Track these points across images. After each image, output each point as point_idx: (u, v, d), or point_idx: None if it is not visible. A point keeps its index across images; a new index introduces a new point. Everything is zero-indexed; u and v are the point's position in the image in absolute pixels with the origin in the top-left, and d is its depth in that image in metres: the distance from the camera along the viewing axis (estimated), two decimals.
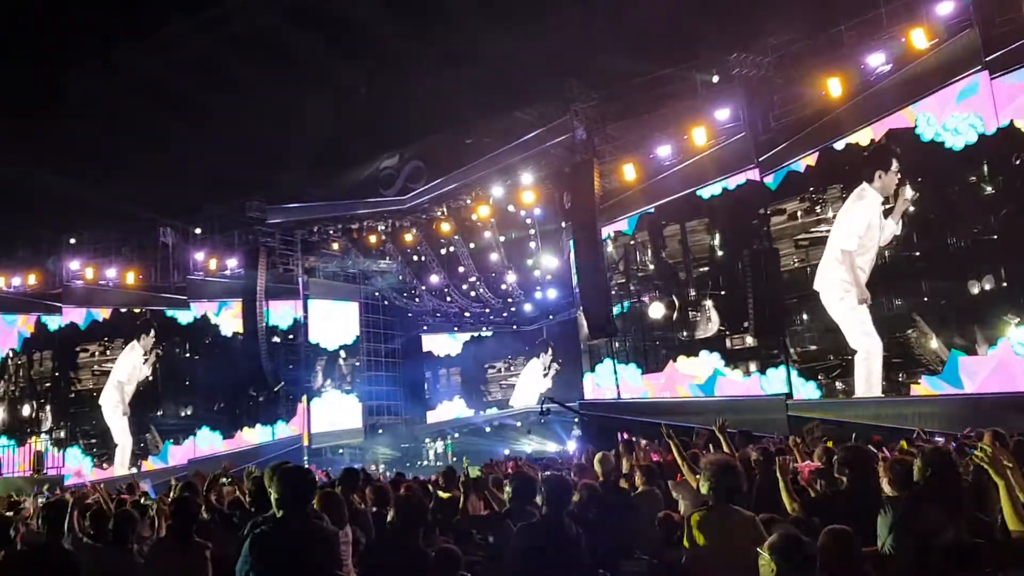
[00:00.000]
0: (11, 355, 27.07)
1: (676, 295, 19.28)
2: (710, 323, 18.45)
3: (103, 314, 26.03)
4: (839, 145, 15.78)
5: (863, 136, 15.42)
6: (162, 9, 24.00)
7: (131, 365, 25.45)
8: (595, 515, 6.06)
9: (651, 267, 20.01)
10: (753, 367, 17.64)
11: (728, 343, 18.12)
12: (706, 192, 18.38)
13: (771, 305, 16.73)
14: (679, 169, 18.66)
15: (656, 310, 19.63)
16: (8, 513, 8.42)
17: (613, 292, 19.78)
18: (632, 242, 20.35)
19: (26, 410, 26.37)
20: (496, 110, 21.24)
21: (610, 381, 20.53)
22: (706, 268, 18.74)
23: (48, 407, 26.21)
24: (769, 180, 17.07)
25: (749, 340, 17.64)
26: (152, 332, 25.59)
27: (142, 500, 9.36)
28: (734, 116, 17.39)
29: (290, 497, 4.41)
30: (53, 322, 26.26)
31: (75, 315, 25.95)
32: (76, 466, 24.42)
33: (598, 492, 6.56)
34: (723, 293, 18.30)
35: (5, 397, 26.93)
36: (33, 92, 25.98)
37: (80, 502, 7.11)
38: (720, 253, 18.44)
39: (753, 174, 17.37)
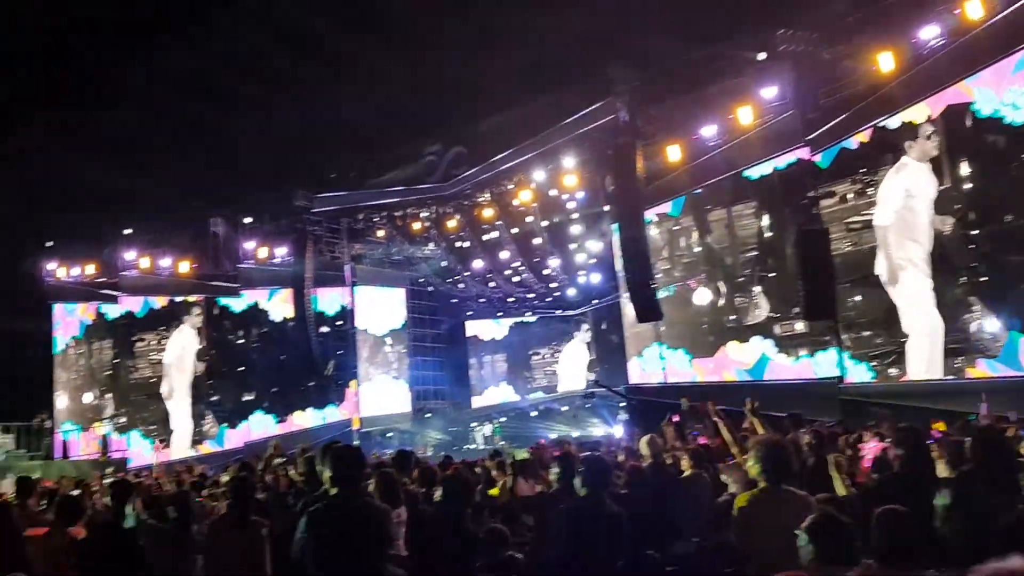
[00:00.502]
0: (72, 343, 27.84)
1: (723, 279, 19.08)
2: (758, 309, 18.21)
3: (159, 302, 26.67)
4: (893, 123, 15.33)
5: (919, 112, 14.91)
6: (208, 3, 24.36)
7: (179, 347, 26.04)
8: (643, 497, 6.06)
9: (697, 250, 19.82)
10: (803, 351, 17.38)
11: (778, 328, 17.87)
12: (754, 172, 18.10)
13: (822, 289, 16.42)
14: (725, 149, 18.40)
15: (702, 295, 19.46)
16: (75, 492, 8.69)
17: (658, 276, 19.64)
18: (677, 225, 20.17)
19: (88, 397, 27.11)
20: (537, 93, 21.16)
21: (657, 366, 20.45)
22: (754, 251, 18.44)
23: (109, 394, 26.93)
24: (819, 159, 16.71)
25: (799, 326, 17.30)
26: (197, 311, 26.15)
27: (202, 482, 9.57)
28: (781, 94, 17.00)
29: (342, 475, 4.59)
30: (112, 311, 26.95)
31: (132, 303, 26.61)
32: (137, 449, 25.07)
33: (645, 474, 6.55)
34: (772, 276, 18.03)
35: (69, 384, 27.71)
36: (86, 86, 26.56)
37: (142, 484, 7.33)
38: (768, 235, 18.13)
39: (803, 153, 17.01)
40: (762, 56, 17.24)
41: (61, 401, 27.08)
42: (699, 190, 19.44)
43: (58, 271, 27.20)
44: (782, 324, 17.78)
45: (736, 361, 18.65)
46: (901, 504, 3.94)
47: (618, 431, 21.81)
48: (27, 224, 26.84)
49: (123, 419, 26.23)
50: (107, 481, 9.48)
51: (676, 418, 10.55)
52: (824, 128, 16.45)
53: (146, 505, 6.76)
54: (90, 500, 8.67)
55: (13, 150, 25.49)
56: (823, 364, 16.85)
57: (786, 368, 17.57)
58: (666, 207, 20.20)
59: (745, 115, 17.22)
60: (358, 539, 4.44)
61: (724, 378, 18.79)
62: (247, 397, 26.07)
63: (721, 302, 19.17)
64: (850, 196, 16.19)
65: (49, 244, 27.28)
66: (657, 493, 6.41)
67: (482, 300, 29.98)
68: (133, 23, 24.86)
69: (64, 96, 25.95)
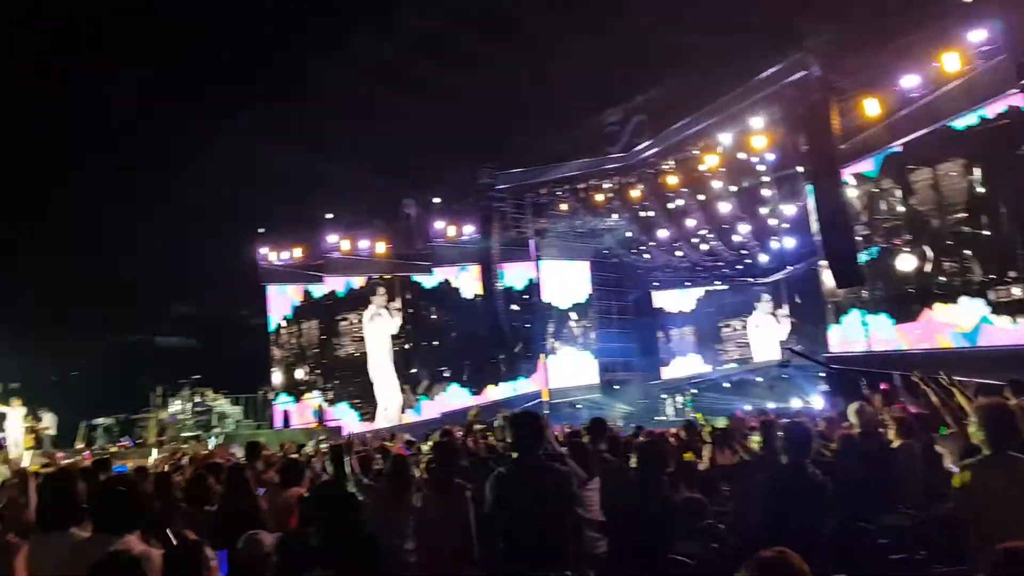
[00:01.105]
0: (284, 323, 30.19)
1: (929, 241, 17.74)
2: (969, 272, 16.80)
3: (359, 282, 28.35)
4: None
5: None
6: None
7: (379, 324, 27.56)
8: (852, 466, 5.79)
9: (900, 210, 18.54)
10: (1021, 314, 15.86)
11: (992, 293, 16.40)
12: (960, 123, 16.64)
13: None
14: (928, 101, 17.02)
15: (906, 260, 18.20)
16: (294, 456, 9.43)
17: (858, 238, 18.55)
18: (876, 184, 18.94)
19: (299, 373, 29.32)
20: (722, 53, 20.43)
21: (859, 333, 19.38)
22: (963, 211, 16.97)
23: (318, 369, 29.03)
24: None
25: (1016, 290, 15.80)
26: (382, 291, 27.49)
27: (407, 449, 10.10)
28: (991, 37, 15.52)
29: (522, 440, 4.80)
30: (317, 291, 28.96)
31: (336, 284, 28.46)
32: (345, 420, 26.88)
33: (855, 442, 6.25)
34: (985, 235, 16.54)
35: (282, 361, 30.09)
36: (288, 79, 28.49)
37: (355, 449, 7.87)
38: (980, 191, 16.63)
39: (1017, 99, 15.44)
40: None
41: (276, 376, 29.43)
42: (900, 146, 18.13)
43: (270, 255, 29.52)
44: (996, 288, 16.30)
45: (947, 324, 17.32)
46: None
47: (817, 401, 20.91)
48: (243, 212, 29.27)
49: (331, 392, 28.18)
50: (324, 447, 10.24)
51: (885, 387, 9.94)
52: None
53: (361, 467, 7.23)
54: (309, 464, 9.37)
55: (227, 143, 27.82)
56: None
57: (1005, 332, 16.11)
58: (865, 165, 19.00)
59: (951, 62, 15.82)
60: (537, 499, 4.61)
61: (936, 343, 17.50)
62: (442, 370, 27.24)
63: (928, 266, 17.85)
64: None
65: (261, 230, 29.64)
66: (867, 463, 6.10)
67: (668, 270, 29.53)
68: (326, 14, 26.34)
69: (263, 87, 27.97)
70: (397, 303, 27.58)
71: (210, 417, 21.91)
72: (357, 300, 28.34)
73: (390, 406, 27.08)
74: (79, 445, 20.29)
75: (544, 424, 5.10)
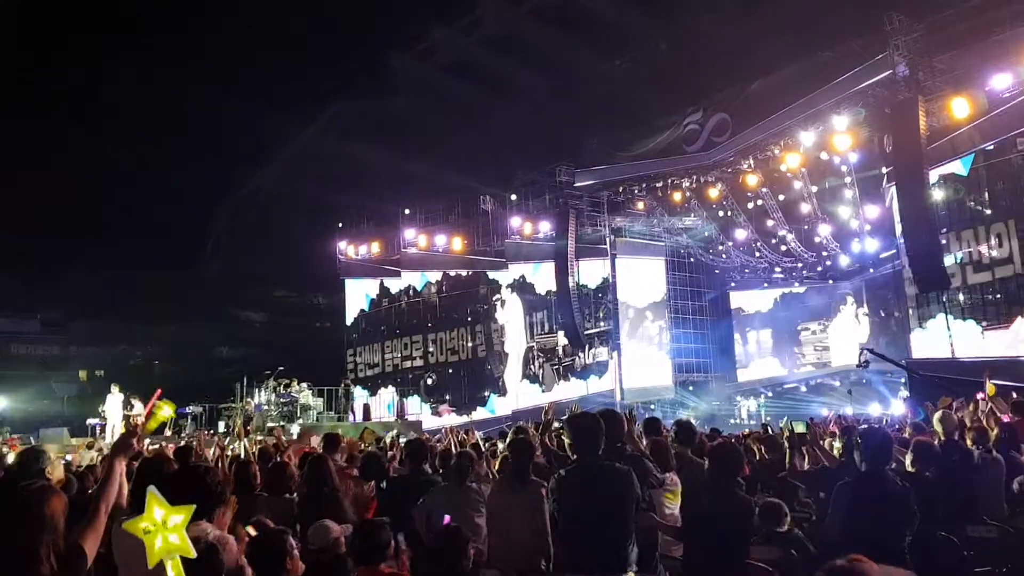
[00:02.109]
0: (361, 316, 30.90)
1: (1019, 243, 17.15)
2: None
3: (434, 277, 28.81)
4: None
5: None
6: None
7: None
8: (934, 475, 5.73)
9: (988, 212, 17.96)
10: None
11: None
12: None
13: None
14: (1021, 101, 16.45)
15: (995, 264, 17.62)
16: (370, 448, 9.67)
17: (943, 241, 18.03)
18: (965, 185, 18.38)
19: (374, 368, 30.06)
20: (806, 51, 20.08)
21: (943, 338, 18.84)
22: None
23: (390, 364, 29.68)
24: None
25: None
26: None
27: (483, 444, 10.26)
28: None
29: (580, 442, 4.92)
30: (394, 285, 29.48)
31: (412, 278, 28.95)
32: (421, 413, 27.37)
33: (935, 450, 6.16)
34: None
35: (358, 354, 30.82)
36: (365, 76, 29.04)
37: (432, 444, 8.06)
38: None
39: None
40: None
41: (355, 369, 30.18)
42: (991, 146, 17.55)
43: (348, 249, 30.15)
44: None
45: None
46: None
47: (898, 408, 20.39)
48: (323, 206, 30.00)
49: (405, 386, 28.73)
50: (402, 440, 10.48)
51: (980, 395, 9.67)
52: None
53: (441, 462, 7.41)
54: (388, 457, 9.61)
55: (309, 138, 28.54)
56: None
57: None
58: (953, 167, 18.45)
59: None
60: (594, 501, 4.70)
61: (1022, 352, 16.93)
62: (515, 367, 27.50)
63: (1019, 268, 17.26)
64: None
65: (340, 225, 30.34)
66: (951, 473, 6.02)
67: (746, 270, 29.10)
68: (408, 12, 26.75)
69: (346, 87, 28.56)
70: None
71: (294, 408, 22.48)
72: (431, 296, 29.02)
73: (461, 401, 27.61)
74: (168, 432, 21.09)
75: (613, 423, 5.15)
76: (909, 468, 5.79)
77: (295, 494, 6.45)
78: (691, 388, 28.78)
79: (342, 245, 30.41)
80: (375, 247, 29.50)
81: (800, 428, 8.41)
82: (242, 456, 8.73)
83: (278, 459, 7.73)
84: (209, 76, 28.06)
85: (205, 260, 32.85)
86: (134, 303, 32.03)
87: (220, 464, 7.48)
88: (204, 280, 32.80)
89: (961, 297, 18.62)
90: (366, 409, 26.21)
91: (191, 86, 26.39)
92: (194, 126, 30.00)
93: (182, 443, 13.33)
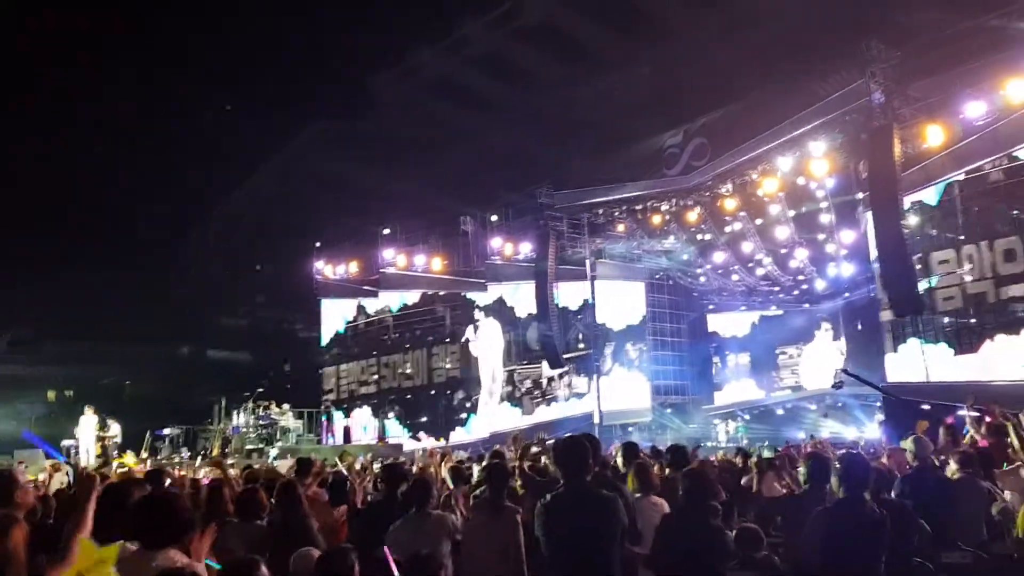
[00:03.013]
0: (337, 337, 30.69)
1: (991, 269, 17.37)
2: None
3: (412, 299, 28.69)
4: None
5: None
6: (452, 11, 25.82)
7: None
8: (910, 501, 5.72)
9: (961, 238, 18.18)
10: None
11: None
12: None
13: None
14: (993, 130, 16.72)
15: (967, 289, 17.83)
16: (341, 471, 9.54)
17: (917, 266, 18.22)
18: (938, 212, 18.62)
19: (350, 387, 29.80)
20: (783, 79, 20.34)
21: (917, 362, 18.98)
22: None
23: (366, 385, 29.46)
24: None
25: None
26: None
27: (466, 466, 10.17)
28: None
29: (565, 467, 4.89)
30: (371, 305, 29.32)
31: (390, 299, 28.81)
32: (394, 435, 27.14)
33: (911, 477, 6.17)
34: None
35: (334, 375, 30.56)
36: (344, 96, 29.07)
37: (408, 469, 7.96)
38: None
39: None
40: None
41: (330, 392, 29.95)
42: (962, 175, 17.80)
43: (325, 269, 29.99)
44: None
45: (1008, 357, 16.90)
46: None
47: (874, 432, 20.50)
48: (300, 226, 29.88)
49: (382, 408, 28.53)
50: (376, 464, 10.36)
51: (950, 420, 9.75)
52: None
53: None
54: (360, 481, 9.48)
55: (287, 157, 28.47)
56: None
57: None
58: (926, 193, 18.67)
59: (1017, 89, 15.55)
60: (579, 528, 4.64)
61: (997, 375, 17.07)
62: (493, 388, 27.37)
63: (990, 296, 17.47)
64: None
65: (317, 245, 30.22)
66: (925, 498, 6.02)
67: (724, 294, 29.25)
68: (387, 32, 26.85)
69: (325, 106, 28.58)
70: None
71: (274, 430, 22.27)
72: (409, 317, 28.86)
73: (437, 423, 27.48)
74: (143, 455, 20.87)
75: (585, 451, 5.09)
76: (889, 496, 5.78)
77: (265, 520, 6.36)
78: (669, 410, 28.77)
79: (320, 265, 30.26)
80: (353, 267, 29.37)
81: (768, 453, 8.41)
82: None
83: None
84: (188, 93, 28.00)
85: (179, 279, 32.57)
86: (105, 322, 31.59)
87: (196, 489, 7.37)
88: (178, 299, 32.48)
89: (935, 322, 18.77)
90: (346, 431, 26.00)
91: (167, 103, 26.31)
92: (169, 144, 29.87)
93: (152, 467, 13.16)
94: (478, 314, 27.71)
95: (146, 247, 31.83)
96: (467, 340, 27.83)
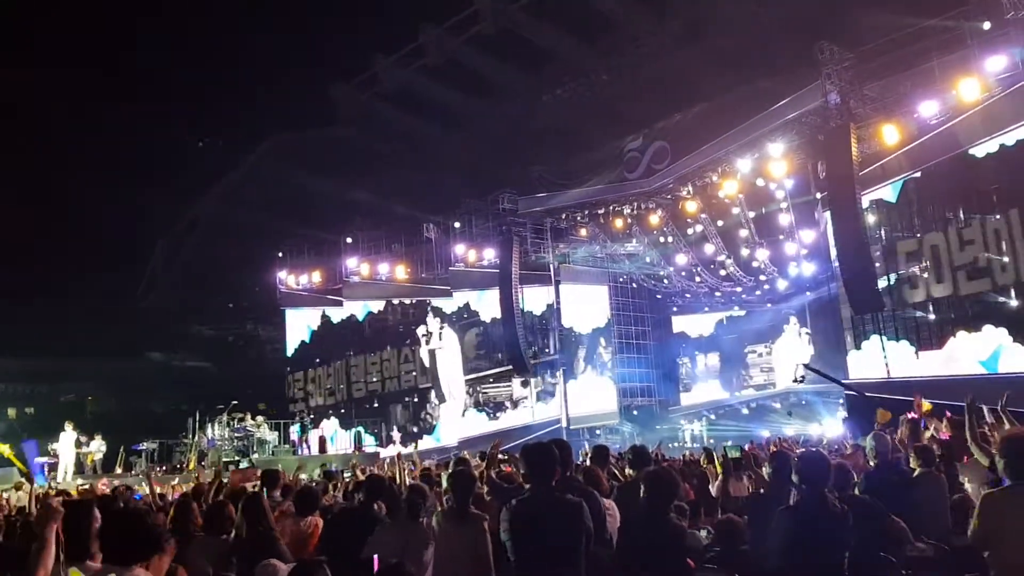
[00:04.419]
0: (301, 347, 30.42)
1: (950, 266, 17.69)
2: (993, 297, 16.73)
3: (377, 307, 28.54)
4: None
5: None
6: (412, 21, 25.76)
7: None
8: (873, 495, 5.79)
9: (919, 235, 18.49)
10: None
11: (1018, 317, 16.32)
12: (980, 151, 16.64)
13: None
14: (947, 128, 17.05)
15: (927, 286, 18.14)
16: (313, 483, 9.46)
17: (877, 264, 18.50)
18: (896, 210, 18.93)
19: (317, 398, 29.55)
20: (742, 81, 20.58)
21: (878, 359, 19.27)
22: (984, 235, 16.94)
23: (334, 395, 29.22)
24: None
25: None
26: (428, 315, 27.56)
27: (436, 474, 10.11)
28: (1011, 64, 15.56)
29: (532, 473, 4.86)
30: (336, 315, 29.11)
31: (355, 307, 28.63)
32: (368, 445, 26.96)
33: (873, 472, 6.25)
34: (1006, 260, 16.49)
35: (299, 385, 30.28)
36: (306, 106, 28.87)
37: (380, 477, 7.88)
38: (999, 217, 16.59)
39: None
40: (987, 26, 15.85)
41: (296, 403, 29.65)
42: (918, 172, 18.13)
43: (288, 279, 29.73)
44: (1020, 313, 16.24)
45: (969, 351, 17.21)
46: None
47: (837, 429, 20.75)
48: (264, 237, 29.58)
49: (350, 416, 28.32)
50: (347, 474, 10.27)
51: (911, 415, 9.90)
52: None
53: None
54: (333, 491, 9.42)
55: (249, 169, 28.19)
56: None
57: None
58: (883, 192, 18.98)
59: (969, 89, 15.87)
60: (544, 530, 4.62)
61: (957, 371, 17.36)
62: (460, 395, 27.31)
63: (948, 290, 17.79)
64: None
65: (280, 255, 29.94)
66: (887, 492, 6.09)
67: (688, 296, 29.49)
68: (349, 42, 26.72)
69: (287, 118, 28.35)
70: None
71: (250, 442, 22.01)
72: (375, 325, 28.65)
73: (402, 432, 27.33)
74: (118, 470, 20.60)
75: (564, 453, 5.09)
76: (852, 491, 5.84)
77: (232, 534, 6.27)
78: (635, 413, 28.89)
79: (282, 275, 30.00)
80: (316, 276, 29.17)
81: (734, 453, 8.47)
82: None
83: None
84: (147, 106, 27.63)
85: (141, 292, 32.08)
86: (66, 337, 30.99)
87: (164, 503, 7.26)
88: (140, 313, 31.98)
89: (896, 319, 19.07)
90: (321, 442, 25.76)
91: (126, 116, 25.92)
92: (130, 156, 29.45)
93: (116, 484, 12.92)
94: (432, 322, 27.65)
95: (107, 262, 31.29)
96: (431, 349, 27.72)
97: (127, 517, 4.14)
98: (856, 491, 5.89)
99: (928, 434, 9.34)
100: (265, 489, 8.44)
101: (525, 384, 26.31)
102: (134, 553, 3.72)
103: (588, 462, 7.42)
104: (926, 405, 9.99)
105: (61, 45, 27.15)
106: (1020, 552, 4.12)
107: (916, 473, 7.01)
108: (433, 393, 27.56)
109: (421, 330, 27.88)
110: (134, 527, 3.83)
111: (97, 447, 19.94)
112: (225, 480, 10.17)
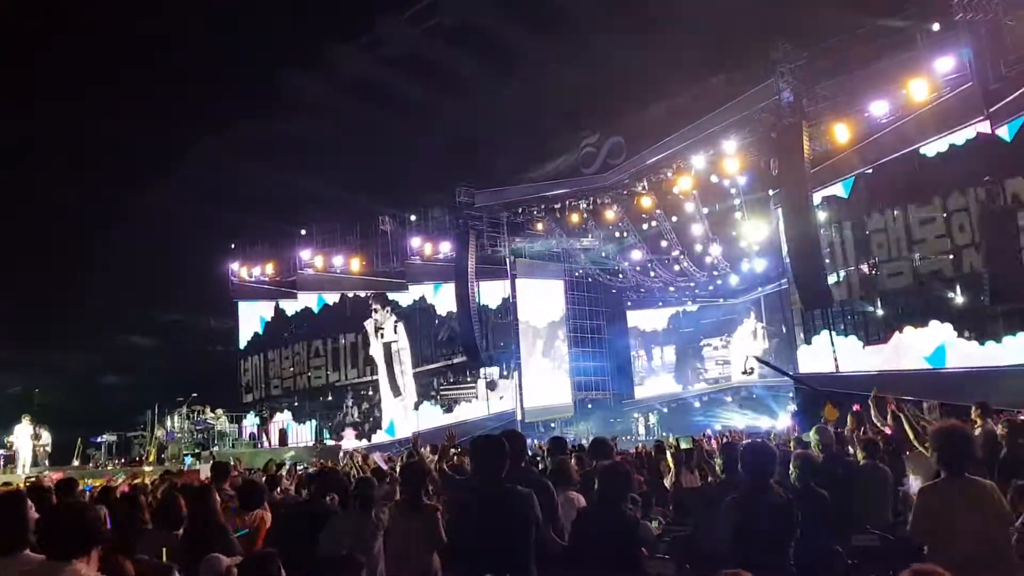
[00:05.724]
0: (254, 339, 30.08)
1: (899, 263, 18.09)
2: (939, 293, 17.16)
3: (332, 299, 28.30)
4: None
5: None
6: (369, 9, 25.54)
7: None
8: (816, 487, 5.91)
9: (868, 233, 18.86)
10: (990, 337, 16.20)
11: (961, 313, 16.77)
12: (930, 150, 17.03)
13: (1011, 270, 15.28)
14: (897, 127, 17.41)
15: (877, 282, 18.53)
16: (259, 477, 9.38)
17: (827, 260, 18.84)
18: (847, 207, 19.29)
19: (272, 390, 29.24)
20: (696, 78, 20.80)
21: (827, 354, 19.66)
22: (933, 233, 17.36)
23: (286, 387, 28.94)
24: (1003, 132, 15.51)
25: (986, 309, 16.21)
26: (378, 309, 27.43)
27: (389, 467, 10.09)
28: (959, 65, 15.93)
29: (480, 464, 4.93)
30: (290, 307, 28.81)
31: (309, 300, 28.36)
32: (314, 439, 26.71)
33: (816, 463, 6.38)
34: (952, 258, 16.91)
35: (252, 378, 29.92)
36: (259, 95, 28.44)
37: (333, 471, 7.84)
38: (948, 215, 17.00)
39: (984, 127, 15.84)
40: (936, 27, 16.21)
41: (249, 394, 29.28)
42: (870, 170, 18.49)
43: (241, 271, 29.32)
44: (965, 309, 16.68)
45: (914, 347, 17.64)
46: None
47: (785, 421, 21.14)
48: (216, 228, 29.10)
49: (302, 411, 28.08)
50: (300, 467, 10.21)
51: (857, 407, 10.13)
52: (1007, 100, 15.22)
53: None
54: (280, 485, 9.34)
55: (200, 160, 27.71)
56: (1013, 349, 15.64)
57: (970, 355, 16.44)
58: (835, 189, 19.34)
59: (919, 89, 16.23)
60: (491, 522, 4.68)
61: (903, 365, 17.79)
62: (416, 388, 27.22)
63: (896, 285, 18.20)
64: None
65: (232, 246, 29.50)
66: (832, 483, 6.23)
67: (642, 290, 29.77)
68: (293, 35, 26.39)
69: (238, 107, 27.91)
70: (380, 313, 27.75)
71: (210, 435, 21.73)
72: (331, 316, 28.39)
73: (357, 426, 27.18)
74: (76, 462, 20.26)
75: (513, 445, 5.12)
76: (794, 482, 5.96)
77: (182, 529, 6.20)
78: (590, 406, 29.10)
79: (235, 267, 29.60)
80: (270, 268, 28.80)
81: (685, 444, 8.59)
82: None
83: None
84: (97, 94, 27.01)
85: (90, 283, 31.35)
86: (11, 329, 30.20)
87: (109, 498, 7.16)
88: (88, 303, 31.27)
89: (844, 315, 19.46)
90: (282, 435, 25.49)
91: (76, 103, 25.32)
92: (79, 143, 28.74)
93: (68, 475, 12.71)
94: (387, 315, 27.52)
95: (55, 250, 30.53)
96: (386, 343, 27.59)
97: (67, 510, 4.08)
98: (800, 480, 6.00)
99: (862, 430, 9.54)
100: (214, 483, 8.36)
101: (492, 387, 26.26)
102: (74, 546, 3.67)
103: (546, 454, 7.48)
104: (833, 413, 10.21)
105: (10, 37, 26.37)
106: (953, 544, 4.22)
107: (861, 464, 7.19)
108: (387, 386, 27.41)
109: (375, 323, 27.69)
110: (74, 520, 3.77)
111: (45, 440, 19.66)
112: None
